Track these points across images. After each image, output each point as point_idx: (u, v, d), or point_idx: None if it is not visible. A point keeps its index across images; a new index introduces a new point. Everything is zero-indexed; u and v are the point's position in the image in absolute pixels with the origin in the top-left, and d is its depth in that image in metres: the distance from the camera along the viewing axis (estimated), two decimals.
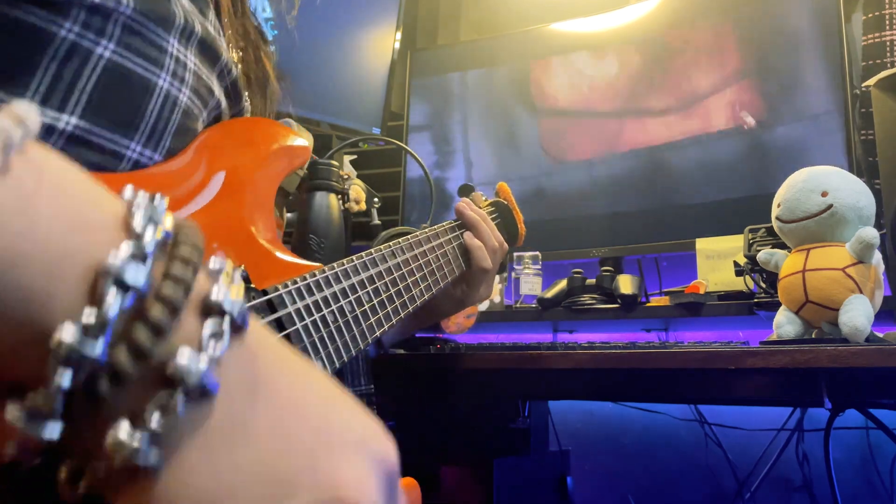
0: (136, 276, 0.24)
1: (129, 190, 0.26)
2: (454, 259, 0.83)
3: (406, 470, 0.64)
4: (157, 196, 0.27)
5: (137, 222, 0.25)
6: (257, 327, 0.29)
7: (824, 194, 0.88)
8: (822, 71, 1.30)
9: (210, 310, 0.26)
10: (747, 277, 1.10)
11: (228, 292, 0.26)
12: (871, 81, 1.04)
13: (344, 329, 0.56)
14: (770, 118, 1.34)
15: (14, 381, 0.24)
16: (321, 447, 0.27)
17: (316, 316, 0.53)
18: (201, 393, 0.25)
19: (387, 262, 0.67)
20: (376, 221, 1.22)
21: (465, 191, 0.98)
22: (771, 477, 1.46)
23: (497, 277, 1.40)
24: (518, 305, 1.42)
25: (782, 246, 0.96)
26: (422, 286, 0.73)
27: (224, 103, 0.54)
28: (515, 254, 1.41)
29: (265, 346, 0.28)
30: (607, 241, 1.46)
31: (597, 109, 1.53)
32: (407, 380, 1.08)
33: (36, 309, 0.23)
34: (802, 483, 1.43)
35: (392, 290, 0.66)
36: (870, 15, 1.32)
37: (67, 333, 0.23)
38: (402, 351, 1.07)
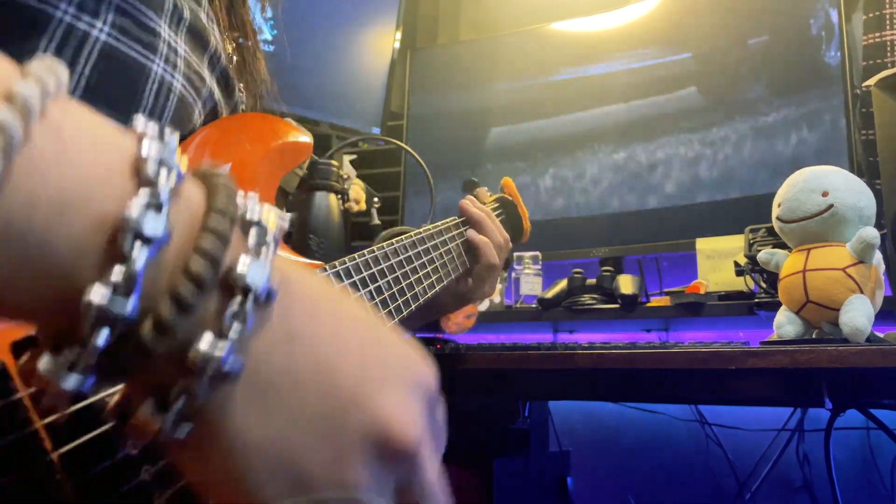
0: (155, 226, 0.24)
1: (140, 122, 0.26)
2: (458, 256, 0.82)
3: None
4: (167, 132, 0.26)
5: (150, 168, 0.24)
6: (291, 271, 0.29)
7: (825, 194, 0.88)
8: (822, 70, 1.30)
9: (234, 284, 0.26)
10: (748, 277, 1.10)
11: (258, 261, 0.26)
12: (872, 81, 1.03)
13: None
14: (771, 118, 1.34)
15: (54, 334, 0.24)
16: (365, 383, 0.28)
17: None
18: (266, 299, 0.26)
19: (389, 259, 0.66)
20: (376, 221, 1.22)
21: (470, 186, 0.97)
22: (771, 477, 1.46)
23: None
24: (518, 305, 1.42)
25: (783, 246, 0.96)
26: (425, 283, 0.72)
27: (217, 93, 0.53)
28: (515, 254, 1.41)
29: (300, 290, 0.28)
30: (607, 241, 1.46)
31: (597, 109, 1.53)
32: None
33: (70, 265, 0.23)
34: (803, 483, 1.43)
35: (395, 288, 0.66)
36: (870, 15, 1.32)
37: (97, 295, 0.23)
38: None
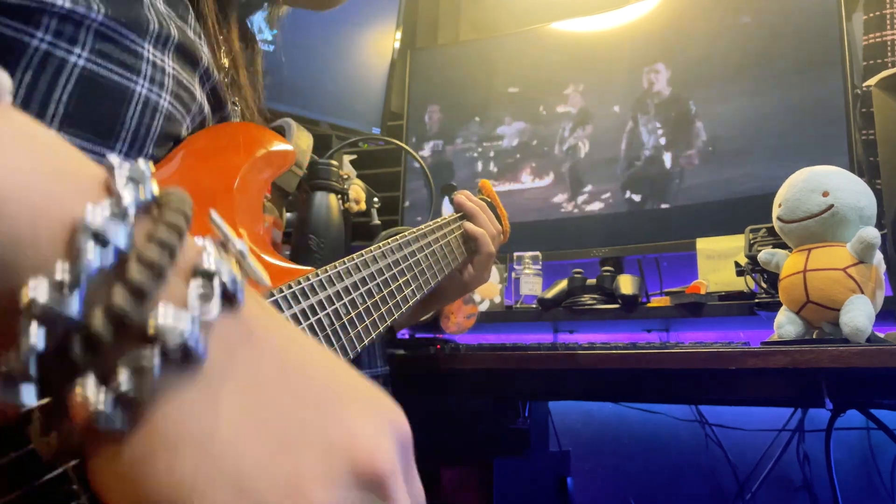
0: (116, 233, 0.22)
1: (111, 157, 0.25)
2: (457, 247, 0.88)
3: None
4: (142, 160, 0.26)
5: (119, 181, 0.24)
6: (256, 301, 0.27)
7: (825, 194, 0.88)
8: (822, 70, 1.30)
9: (199, 276, 0.24)
10: (748, 278, 1.10)
11: (221, 261, 0.25)
12: (872, 81, 1.03)
13: (346, 328, 0.57)
14: (770, 117, 1.34)
15: None
16: (332, 400, 0.25)
17: (312, 320, 0.53)
18: (184, 354, 0.23)
19: (386, 258, 0.68)
20: (376, 221, 1.22)
21: (448, 189, 1.00)
22: (772, 477, 1.46)
23: (497, 276, 1.40)
24: (518, 306, 1.42)
25: (783, 246, 0.96)
26: (427, 275, 0.77)
27: (207, 108, 0.53)
28: (516, 254, 1.41)
29: (264, 318, 0.26)
30: (607, 241, 1.46)
31: (597, 110, 1.53)
32: (406, 380, 1.07)
33: (14, 259, 0.21)
34: (803, 484, 1.43)
35: (393, 286, 0.68)
36: (870, 15, 1.32)
37: (40, 289, 0.21)
38: (401, 351, 1.07)
